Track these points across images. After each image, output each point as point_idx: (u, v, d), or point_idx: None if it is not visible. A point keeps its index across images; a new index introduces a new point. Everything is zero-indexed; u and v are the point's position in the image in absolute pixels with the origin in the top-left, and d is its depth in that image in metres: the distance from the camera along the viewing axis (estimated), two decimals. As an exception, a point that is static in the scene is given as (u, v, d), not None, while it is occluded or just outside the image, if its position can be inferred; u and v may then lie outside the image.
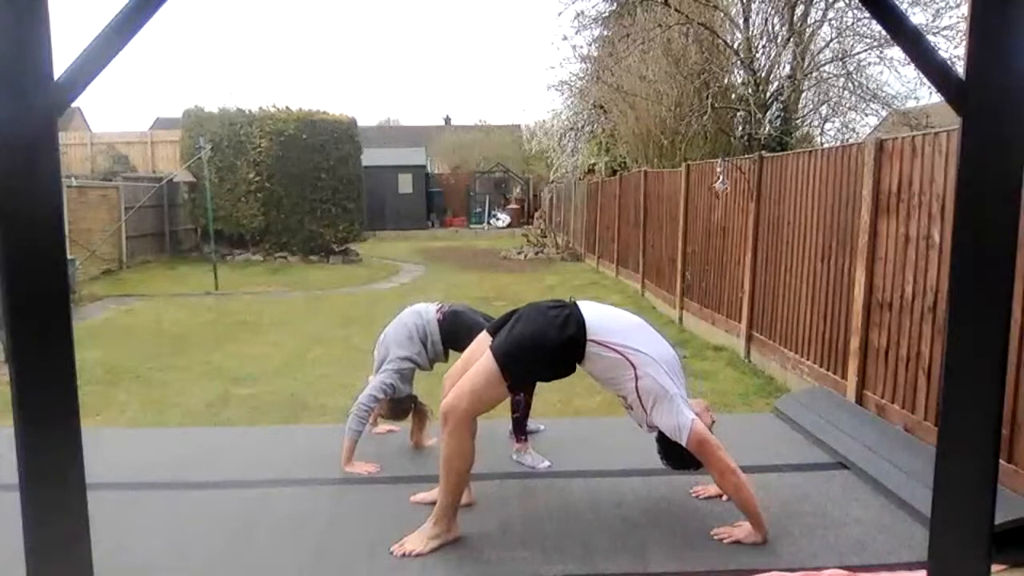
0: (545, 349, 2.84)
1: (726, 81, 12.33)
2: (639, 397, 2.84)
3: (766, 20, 12.24)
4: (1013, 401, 3.34)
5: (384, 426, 4.15)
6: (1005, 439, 3.37)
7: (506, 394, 2.96)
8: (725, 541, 2.86)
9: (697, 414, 2.87)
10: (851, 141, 11.22)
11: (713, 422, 3.00)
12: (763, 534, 2.85)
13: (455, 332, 3.75)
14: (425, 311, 3.83)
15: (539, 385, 3.73)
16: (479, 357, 2.93)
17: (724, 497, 3.08)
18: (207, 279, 12.57)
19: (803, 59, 12.12)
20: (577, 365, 2.92)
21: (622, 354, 2.81)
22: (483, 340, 3.06)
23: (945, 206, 4.06)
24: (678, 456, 2.91)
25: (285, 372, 6.71)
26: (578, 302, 2.98)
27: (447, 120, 40.34)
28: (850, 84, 12.70)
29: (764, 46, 12.15)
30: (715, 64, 12.00)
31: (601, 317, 2.92)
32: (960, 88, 0.95)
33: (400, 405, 3.79)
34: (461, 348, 3.73)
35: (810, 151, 6.30)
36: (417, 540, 2.81)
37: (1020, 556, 2.78)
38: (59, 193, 0.89)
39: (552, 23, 41.29)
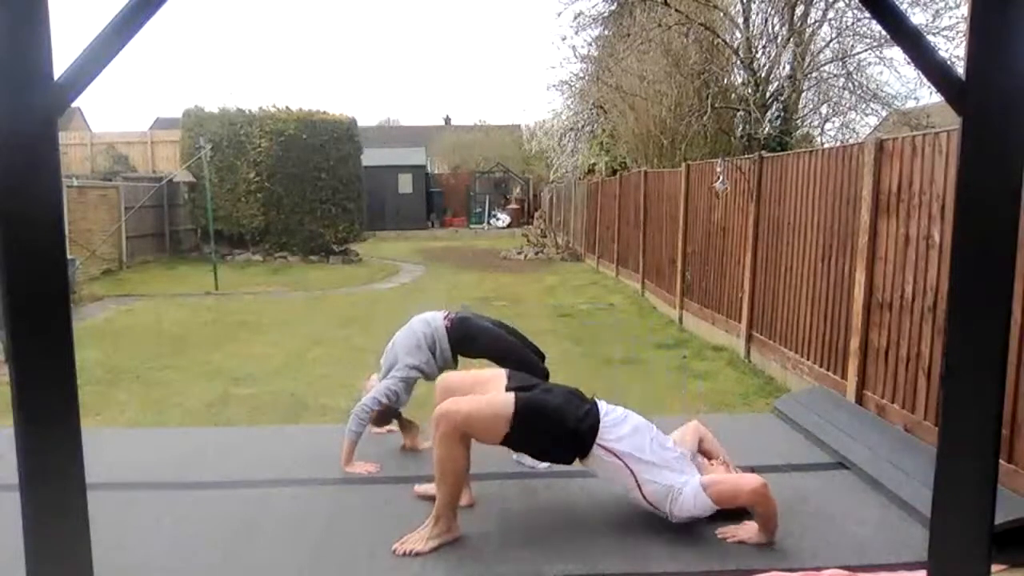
0: (562, 427, 2.89)
1: (726, 81, 12.34)
2: (651, 503, 2.92)
3: (766, 20, 12.25)
4: (1013, 401, 3.34)
5: (384, 426, 4.15)
6: (1005, 439, 3.37)
7: (499, 439, 2.89)
8: (729, 540, 2.86)
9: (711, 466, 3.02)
10: (851, 141, 11.23)
11: (726, 465, 3.14)
12: (770, 537, 2.85)
13: (463, 338, 3.79)
14: (433, 319, 3.84)
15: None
16: (482, 392, 2.99)
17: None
18: (207, 279, 12.57)
19: (803, 59, 12.12)
20: (578, 460, 2.98)
21: (622, 460, 2.88)
22: (497, 378, 3.12)
23: (945, 206, 4.06)
24: (728, 515, 2.95)
25: (285, 372, 6.72)
26: (597, 400, 3.05)
27: (447, 120, 40.34)
28: (850, 84, 12.72)
29: (764, 46, 12.16)
30: (715, 64, 12.01)
31: (610, 420, 2.97)
32: (960, 88, 0.95)
33: (384, 413, 3.81)
34: (470, 353, 3.75)
35: (810, 151, 6.31)
36: (417, 540, 2.81)
37: (1020, 556, 2.78)
38: (59, 193, 0.89)
39: (552, 23, 41.29)
